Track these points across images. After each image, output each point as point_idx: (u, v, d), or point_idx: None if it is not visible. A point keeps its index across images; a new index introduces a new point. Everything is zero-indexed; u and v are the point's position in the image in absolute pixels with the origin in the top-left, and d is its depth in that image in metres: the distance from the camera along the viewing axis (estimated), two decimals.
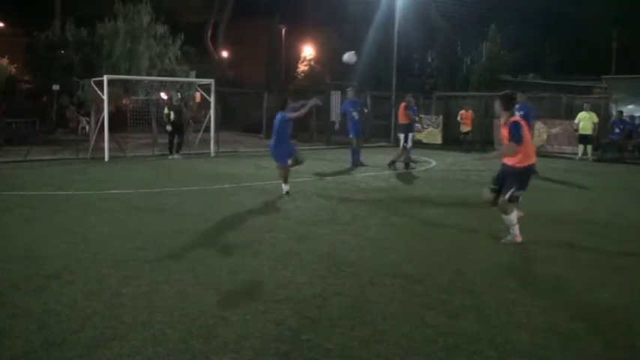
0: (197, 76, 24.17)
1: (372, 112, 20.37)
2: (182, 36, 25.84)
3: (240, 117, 27.03)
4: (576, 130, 16.69)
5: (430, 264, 5.31)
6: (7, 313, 3.92)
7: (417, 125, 17.38)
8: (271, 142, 9.18)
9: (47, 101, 24.61)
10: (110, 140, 14.42)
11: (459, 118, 19.54)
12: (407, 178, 12.10)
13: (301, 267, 5.12)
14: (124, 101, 21.84)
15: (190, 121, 18.93)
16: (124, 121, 18.30)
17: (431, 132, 21.25)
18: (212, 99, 16.86)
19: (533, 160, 6.07)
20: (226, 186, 10.11)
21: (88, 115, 19.19)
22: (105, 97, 14.38)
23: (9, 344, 3.44)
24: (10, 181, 10.26)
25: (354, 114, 13.67)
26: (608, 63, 30.13)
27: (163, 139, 15.84)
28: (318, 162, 13.90)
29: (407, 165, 13.37)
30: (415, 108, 14.67)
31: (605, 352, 3.52)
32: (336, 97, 20.66)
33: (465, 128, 19.51)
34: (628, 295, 4.59)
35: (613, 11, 29.88)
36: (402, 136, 13.33)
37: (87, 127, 19.42)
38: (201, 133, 17.01)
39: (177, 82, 20.04)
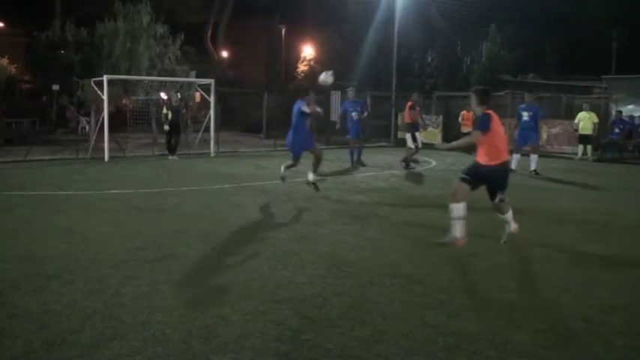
0: (197, 76, 24.18)
1: (372, 112, 20.36)
2: (182, 36, 25.84)
3: (240, 117, 27.04)
4: (576, 130, 16.69)
5: (430, 264, 5.31)
6: (7, 313, 3.92)
7: (424, 124, 17.45)
8: (289, 132, 8.86)
9: (47, 101, 24.64)
10: (110, 140, 14.43)
11: (460, 119, 19.52)
12: (407, 178, 12.10)
13: (301, 267, 5.12)
14: (123, 101, 21.85)
15: (189, 121, 18.96)
16: (123, 121, 18.33)
17: (431, 132, 21.24)
18: (212, 99, 16.86)
19: (505, 157, 5.84)
20: (226, 186, 10.11)
21: (88, 115, 19.21)
22: (105, 97, 14.38)
23: (9, 344, 3.44)
24: (10, 181, 10.27)
25: (354, 114, 13.69)
26: (608, 63, 30.16)
27: (163, 139, 15.84)
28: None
29: (407, 165, 13.39)
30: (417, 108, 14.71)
31: (605, 352, 3.52)
32: (336, 97, 20.65)
33: (466, 129, 19.44)
34: (628, 295, 4.59)
35: (613, 11, 29.91)
36: (408, 136, 13.42)
37: (87, 127, 19.44)
38: (201, 133, 17.01)
39: (177, 82, 20.03)
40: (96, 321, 3.80)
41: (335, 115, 20.28)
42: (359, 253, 5.64)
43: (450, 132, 20.72)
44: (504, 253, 5.78)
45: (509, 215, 6.00)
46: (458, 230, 5.74)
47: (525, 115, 12.72)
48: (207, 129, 16.83)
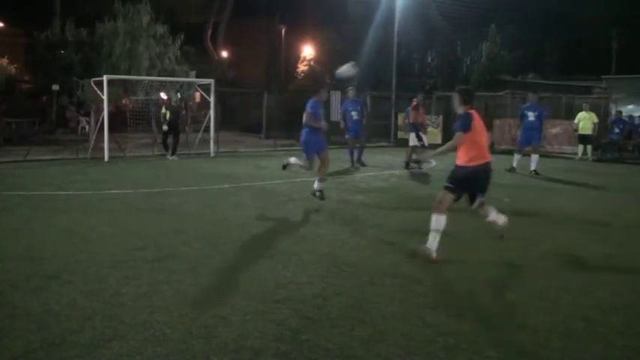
0: (197, 76, 24.19)
1: (372, 112, 20.36)
2: (182, 36, 25.85)
3: (240, 117, 27.02)
4: (576, 130, 16.69)
5: (430, 264, 5.30)
6: (7, 313, 3.92)
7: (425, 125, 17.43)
8: (302, 131, 8.42)
9: (47, 101, 24.63)
10: (110, 140, 14.42)
11: None
12: (407, 178, 12.11)
13: (301, 267, 5.12)
14: (123, 101, 21.86)
15: (189, 121, 18.94)
16: (123, 121, 18.32)
17: (431, 132, 21.22)
18: (212, 99, 16.85)
19: (487, 158, 5.56)
20: (226, 186, 10.11)
21: (87, 115, 19.20)
22: (105, 97, 14.38)
23: (9, 344, 3.44)
24: (10, 181, 10.26)
25: (354, 113, 13.69)
26: (608, 63, 30.18)
27: None
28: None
29: (407, 165, 13.39)
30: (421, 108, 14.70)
31: (605, 352, 3.52)
32: (336, 97, 20.65)
33: None
34: (628, 295, 4.59)
35: (613, 11, 29.93)
36: (411, 135, 13.40)
37: (87, 127, 19.43)
38: (201, 133, 17.00)
39: (177, 82, 20.04)
40: (96, 321, 3.80)
41: (336, 115, 20.29)
42: (359, 253, 5.64)
43: (450, 132, 20.67)
44: (504, 252, 5.78)
45: (494, 214, 5.85)
46: (435, 243, 5.34)
47: (531, 116, 12.68)
48: (207, 129, 16.83)
